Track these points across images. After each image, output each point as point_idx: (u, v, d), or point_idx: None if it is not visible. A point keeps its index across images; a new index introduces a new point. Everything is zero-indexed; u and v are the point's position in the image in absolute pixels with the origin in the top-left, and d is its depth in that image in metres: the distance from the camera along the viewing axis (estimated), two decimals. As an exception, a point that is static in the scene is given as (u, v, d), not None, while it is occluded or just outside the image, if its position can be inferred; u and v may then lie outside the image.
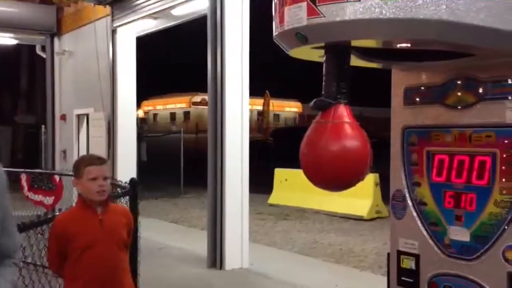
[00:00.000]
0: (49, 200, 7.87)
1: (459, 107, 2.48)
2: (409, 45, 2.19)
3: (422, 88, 2.65)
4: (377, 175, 11.14)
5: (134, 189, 4.32)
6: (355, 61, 2.39)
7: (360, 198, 11.19)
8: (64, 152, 12.03)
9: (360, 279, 6.85)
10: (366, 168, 2.17)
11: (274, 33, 2.31)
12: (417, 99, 2.67)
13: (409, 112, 2.72)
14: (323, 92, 2.19)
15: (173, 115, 59.37)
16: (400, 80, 2.75)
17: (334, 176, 2.18)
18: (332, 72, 2.18)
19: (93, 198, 2.88)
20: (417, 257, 2.71)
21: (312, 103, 2.19)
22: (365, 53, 2.32)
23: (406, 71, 2.73)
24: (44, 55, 12.77)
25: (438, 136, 2.59)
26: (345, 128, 2.17)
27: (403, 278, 2.80)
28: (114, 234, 2.96)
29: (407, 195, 2.73)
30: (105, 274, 2.89)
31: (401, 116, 2.76)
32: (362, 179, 2.22)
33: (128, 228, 3.11)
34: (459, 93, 2.48)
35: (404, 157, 2.74)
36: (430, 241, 2.64)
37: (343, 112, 2.18)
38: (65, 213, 3.03)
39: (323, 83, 2.20)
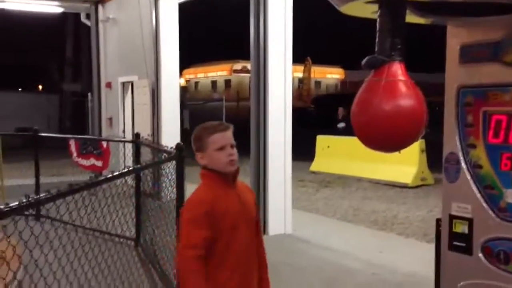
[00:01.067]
0: (99, 163, 8.05)
1: (519, 65, 2.36)
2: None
3: (479, 45, 2.53)
4: (423, 141, 10.89)
5: (181, 154, 4.34)
6: (410, 17, 2.29)
7: (405, 165, 11.02)
8: (110, 119, 12.26)
9: (405, 246, 6.78)
10: (421, 128, 2.10)
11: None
12: (474, 57, 2.55)
13: (465, 71, 2.61)
14: (376, 49, 2.12)
15: (214, 83, 59.52)
16: (456, 37, 2.63)
17: (388, 136, 2.12)
18: (386, 28, 2.10)
19: (224, 170, 2.45)
20: (470, 221, 2.64)
21: (364, 61, 2.12)
22: (420, 7, 2.22)
23: (462, 27, 2.60)
24: (88, 23, 12.92)
25: (496, 95, 2.48)
26: (400, 86, 2.10)
27: (455, 243, 2.74)
28: (251, 213, 2.60)
29: (461, 157, 2.64)
30: (247, 260, 2.54)
31: (456, 75, 2.65)
32: (417, 139, 2.15)
33: (257, 207, 2.72)
34: (520, 50, 2.35)
35: (458, 118, 2.64)
36: (485, 205, 2.56)
37: (398, 69, 2.11)
38: (204, 191, 2.48)
39: (377, 40, 2.12)
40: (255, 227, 2.65)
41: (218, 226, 2.39)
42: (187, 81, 61.99)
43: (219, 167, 2.46)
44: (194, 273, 2.34)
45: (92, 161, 8.15)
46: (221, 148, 2.43)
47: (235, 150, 2.48)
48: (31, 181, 8.36)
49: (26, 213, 2.18)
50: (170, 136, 9.19)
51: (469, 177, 2.62)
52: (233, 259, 2.45)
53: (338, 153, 13.20)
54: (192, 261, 2.34)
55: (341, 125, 14.50)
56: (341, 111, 14.71)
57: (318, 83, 55.06)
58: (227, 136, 2.48)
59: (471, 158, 2.60)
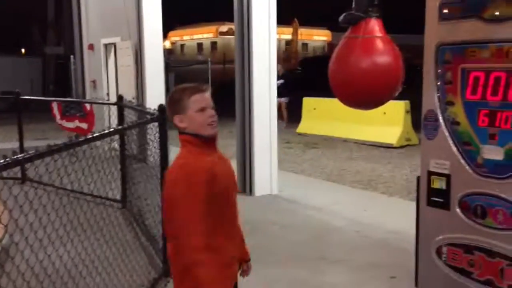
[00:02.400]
0: (84, 125, 8.00)
1: (498, 21, 2.36)
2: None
3: (459, 1, 2.52)
4: (407, 102, 10.94)
5: (163, 115, 4.33)
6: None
7: (390, 125, 11.09)
8: (94, 81, 12.12)
9: (389, 204, 6.88)
10: (399, 84, 2.11)
11: None
12: (453, 14, 2.54)
13: (444, 28, 2.60)
14: (353, 5, 2.10)
15: (200, 46, 58.85)
16: (436, -7, 2.62)
17: (365, 92, 2.13)
18: (363, -17, 2.08)
19: (205, 133, 2.34)
20: (448, 177, 2.68)
21: (341, 17, 2.11)
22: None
23: (442, -17, 2.59)
24: (69, -16, 12.63)
25: (474, 52, 2.48)
26: (377, 43, 2.09)
27: (433, 198, 2.80)
28: (235, 178, 2.52)
29: (440, 115, 2.67)
30: (237, 227, 2.47)
31: (435, 33, 2.65)
32: (394, 95, 2.16)
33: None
34: (498, 5, 2.35)
35: (437, 75, 2.65)
36: (462, 161, 2.60)
37: (375, 26, 2.10)
38: (196, 157, 2.34)
39: (354, -4, 2.10)
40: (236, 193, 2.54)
41: (215, 193, 2.27)
42: (173, 43, 61.19)
43: (200, 129, 2.35)
44: (205, 265, 2.16)
45: (77, 123, 8.10)
46: (202, 109, 2.33)
47: (214, 112, 2.37)
48: (15, 144, 8.30)
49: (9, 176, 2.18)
50: (155, 99, 9.11)
51: (447, 134, 2.65)
52: (226, 227, 2.37)
53: (324, 115, 13.22)
54: (201, 252, 2.15)
55: (280, 81, 14.19)
56: (279, 68, 14.06)
57: (305, 45, 54.66)
58: (207, 97, 2.37)
59: (449, 115, 2.63)
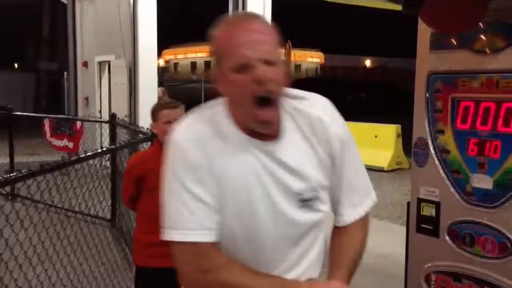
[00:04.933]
0: (71, 145, 7.99)
1: (487, 52, 2.41)
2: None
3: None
4: (399, 126, 11.04)
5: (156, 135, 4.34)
6: (383, 4, 2.31)
7: (381, 149, 11.15)
8: (87, 99, 12.12)
9: (378, 228, 6.88)
10: None
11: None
12: (444, 44, 2.60)
13: (435, 57, 2.65)
14: None
15: (193, 65, 59.07)
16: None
17: None
18: None
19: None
20: (437, 204, 2.70)
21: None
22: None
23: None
24: (65, 1, 12.68)
25: (465, 82, 2.53)
26: None
27: (422, 225, 2.81)
28: None
29: (430, 142, 2.70)
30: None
31: (426, 62, 2.70)
32: None
33: None
34: (488, 37, 2.40)
35: (428, 104, 2.70)
36: (452, 189, 2.62)
37: None
38: (141, 153, 3.14)
39: None
40: None
41: (145, 183, 2.89)
42: (167, 62, 61.39)
43: (164, 137, 2.75)
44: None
45: (65, 142, 8.08)
46: (168, 122, 2.82)
47: None
48: (5, 160, 8.26)
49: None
50: (148, 117, 9.12)
51: (437, 162, 2.68)
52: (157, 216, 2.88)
53: (315, 136, 13.28)
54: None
55: None
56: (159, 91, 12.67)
57: (298, 67, 55.05)
58: (176, 112, 2.89)
59: (439, 143, 2.66)
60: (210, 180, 1.48)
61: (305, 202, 1.57)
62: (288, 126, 1.56)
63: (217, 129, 1.52)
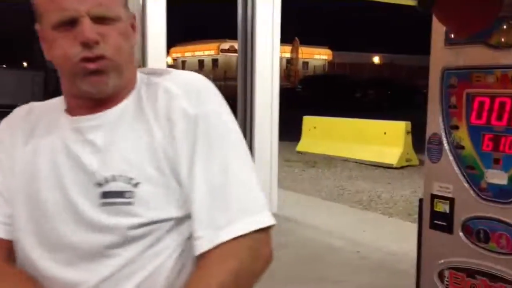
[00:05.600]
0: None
1: (503, 47, 2.40)
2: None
3: (465, 27, 2.56)
4: (408, 123, 11.01)
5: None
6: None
7: (391, 146, 11.12)
8: (96, 97, 12.17)
9: (388, 225, 6.88)
10: None
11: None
12: (459, 40, 2.58)
13: (449, 53, 2.64)
14: None
15: (201, 63, 59.17)
16: (442, 19, 2.65)
17: None
18: None
19: None
20: (451, 200, 2.69)
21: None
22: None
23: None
24: None
25: (480, 77, 2.51)
26: None
27: (436, 222, 2.80)
28: None
29: (444, 138, 2.69)
30: None
31: (441, 57, 2.68)
32: None
33: None
34: (504, 32, 2.38)
35: (442, 99, 2.68)
36: (466, 185, 2.61)
37: None
38: None
39: None
40: None
41: None
42: (174, 60, 61.53)
43: None
44: None
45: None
46: None
47: None
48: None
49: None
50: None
51: (451, 158, 2.67)
52: None
53: (324, 133, 13.26)
54: None
55: None
56: None
57: (305, 64, 55.00)
58: None
59: (453, 139, 2.65)
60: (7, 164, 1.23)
61: (109, 199, 1.14)
62: (126, 102, 1.20)
63: (43, 107, 1.30)
